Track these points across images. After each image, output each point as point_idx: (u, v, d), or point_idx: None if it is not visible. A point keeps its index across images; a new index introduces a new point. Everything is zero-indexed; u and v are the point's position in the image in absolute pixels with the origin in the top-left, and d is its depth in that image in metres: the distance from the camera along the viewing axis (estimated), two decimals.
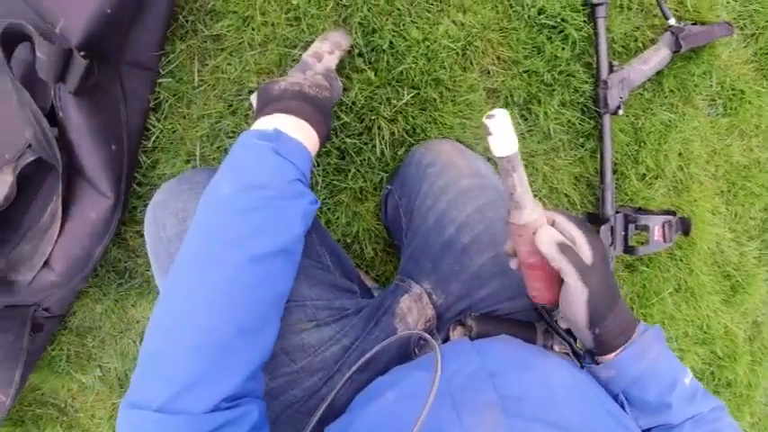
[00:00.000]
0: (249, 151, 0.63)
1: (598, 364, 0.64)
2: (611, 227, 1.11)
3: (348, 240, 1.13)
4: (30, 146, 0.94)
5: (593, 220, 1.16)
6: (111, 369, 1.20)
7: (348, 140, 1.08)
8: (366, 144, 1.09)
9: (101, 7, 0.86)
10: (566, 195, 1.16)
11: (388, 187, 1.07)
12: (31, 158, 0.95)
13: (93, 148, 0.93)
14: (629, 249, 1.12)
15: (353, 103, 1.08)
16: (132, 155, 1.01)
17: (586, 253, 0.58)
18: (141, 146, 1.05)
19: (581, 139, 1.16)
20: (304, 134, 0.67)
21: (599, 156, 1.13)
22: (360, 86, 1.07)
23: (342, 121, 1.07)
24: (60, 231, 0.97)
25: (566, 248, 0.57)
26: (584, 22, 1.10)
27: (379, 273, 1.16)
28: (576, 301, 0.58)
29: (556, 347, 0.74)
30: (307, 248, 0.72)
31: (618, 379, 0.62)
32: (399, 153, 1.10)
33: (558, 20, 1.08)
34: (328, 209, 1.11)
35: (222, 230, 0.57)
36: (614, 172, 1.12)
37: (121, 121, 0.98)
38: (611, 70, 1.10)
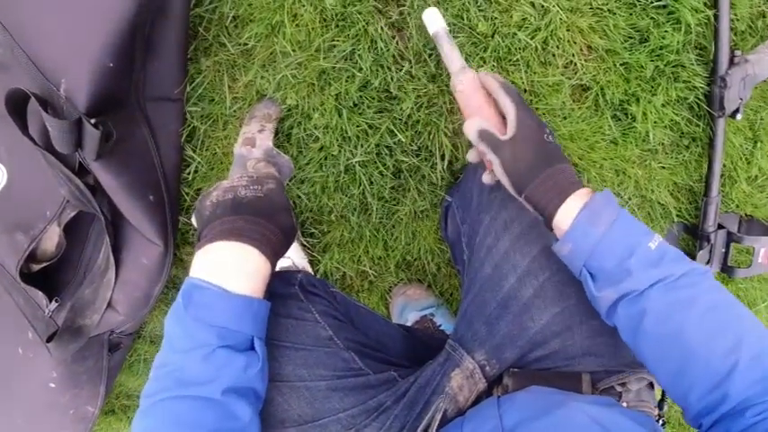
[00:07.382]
0: (173, 315, 0.58)
1: (558, 241, 0.63)
2: (711, 245, 0.95)
3: (409, 258, 1.05)
4: (68, 201, 0.89)
5: (691, 234, 1.00)
6: None
7: (404, 159, 0.94)
8: (424, 161, 0.96)
9: (102, 63, 0.74)
10: (660, 204, 0.99)
11: (448, 199, 0.95)
12: (72, 213, 0.90)
13: (131, 204, 0.87)
14: (727, 269, 0.97)
15: (409, 116, 0.92)
16: (173, 197, 0.94)
17: (511, 127, 0.65)
18: (182, 179, 0.97)
19: (686, 141, 0.95)
20: (240, 266, 0.59)
21: (707, 164, 0.92)
22: (415, 97, 0.90)
23: (395, 139, 0.92)
24: (116, 277, 0.95)
25: (483, 133, 0.66)
26: (705, 4, 0.84)
27: (443, 289, 1.08)
28: (496, 171, 0.66)
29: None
30: (330, 360, 0.68)
31: (576, 252, 0.60)
32: (462, 171, 0.96)
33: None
34: (386, 230, 1.01)
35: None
36: (721, 176, 0.93)
37: (155, 166, 0.90)
38: (731, 63, 0.85)
